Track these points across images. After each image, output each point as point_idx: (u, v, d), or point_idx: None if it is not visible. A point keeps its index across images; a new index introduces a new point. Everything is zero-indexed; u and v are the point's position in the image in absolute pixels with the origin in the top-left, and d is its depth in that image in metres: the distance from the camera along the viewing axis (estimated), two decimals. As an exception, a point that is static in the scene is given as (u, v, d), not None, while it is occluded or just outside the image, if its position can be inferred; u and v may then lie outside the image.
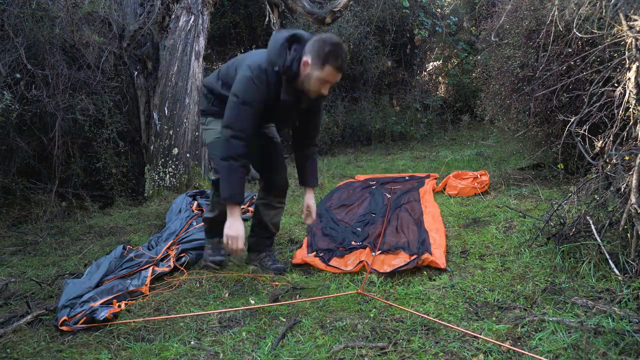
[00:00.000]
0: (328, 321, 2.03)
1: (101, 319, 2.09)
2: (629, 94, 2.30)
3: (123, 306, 2.27)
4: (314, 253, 2.79)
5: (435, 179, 4.80)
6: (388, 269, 2.46)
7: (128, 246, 2.99)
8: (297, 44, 2.27)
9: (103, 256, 2.85)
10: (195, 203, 3.82)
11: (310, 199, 2.59)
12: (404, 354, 1.73)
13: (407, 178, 4.85)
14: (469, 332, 1.80)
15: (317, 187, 2.68)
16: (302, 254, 2.81)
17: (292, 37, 2.28)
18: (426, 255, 2.51)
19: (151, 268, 2.63)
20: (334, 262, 2.66)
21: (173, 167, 4.99)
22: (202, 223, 2.90)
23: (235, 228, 2.22)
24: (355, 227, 3.28)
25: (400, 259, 2.55)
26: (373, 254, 2.67)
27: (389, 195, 4.06)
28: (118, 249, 2.86)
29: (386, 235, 3.02)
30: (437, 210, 3.53)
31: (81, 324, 2.09)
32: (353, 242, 2.92)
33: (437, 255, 2.56)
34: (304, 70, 2.22)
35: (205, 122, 2.57)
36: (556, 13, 2.96)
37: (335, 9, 5.87)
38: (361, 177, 5.14)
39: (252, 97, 2.23)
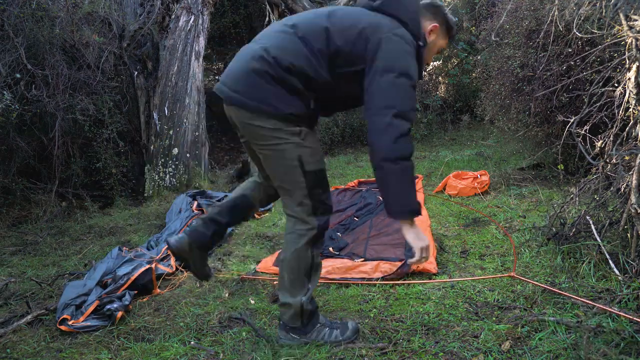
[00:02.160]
0: (328, 321, 2.03)
1: (114, 310, 2.12)
2: (629, 94, 2.30)
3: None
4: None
5: (420, 179, 4.77)
6: (379, 275, 2.43)
7: (124, 247, 2.98)
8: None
9: (101, 259, 2.85)
10: (195, 203, 3.81)
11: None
12: (404, 354, 1.73)
13: None
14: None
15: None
16: (270, 261, 2.71)
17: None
18: None
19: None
20: None
21: (173, 167, 4.99)
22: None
23: (423, 236, 1.70)
24: (334, 232, 3.16)
25: (389, 266, 2.48)
26: (356, 260, 2.60)
27: (382, 198, 3.96)
28: (114, 250, 2.86)
29: (370, 240, 2.94)
30: (424, 212, 3.42)
31: (91, 311, 2.11)
32: (330, 249, 2.83)
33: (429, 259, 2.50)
34: (429, 37, 1.84)
35: (300, 134, 1.72)
36: (556, 13, 2.97)
37: (335, 9, 5.86)
38: (352, 183, 4.85)
39: (415, 80, 1.71)
